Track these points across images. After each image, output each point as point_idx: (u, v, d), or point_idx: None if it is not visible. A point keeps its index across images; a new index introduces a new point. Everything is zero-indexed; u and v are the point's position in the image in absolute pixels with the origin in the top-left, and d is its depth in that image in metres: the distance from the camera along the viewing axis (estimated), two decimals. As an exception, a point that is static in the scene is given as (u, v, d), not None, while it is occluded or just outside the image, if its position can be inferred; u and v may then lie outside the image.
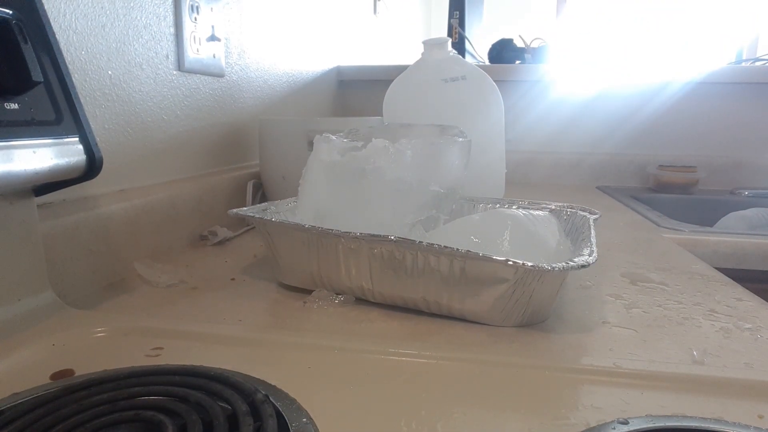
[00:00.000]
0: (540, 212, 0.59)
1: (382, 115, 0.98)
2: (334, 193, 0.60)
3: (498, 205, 0.73)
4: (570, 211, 0.69)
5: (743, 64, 1.62)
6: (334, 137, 0.62)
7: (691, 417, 0.34)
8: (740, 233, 0.93)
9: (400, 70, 0.98)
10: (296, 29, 1.23)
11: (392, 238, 0.49)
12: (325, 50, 1.45)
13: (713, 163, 1.48)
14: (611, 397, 0.37)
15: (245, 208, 0.62)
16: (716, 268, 0.70)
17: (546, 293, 0.49)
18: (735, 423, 0.34)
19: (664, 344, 0.46)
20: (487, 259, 0.46)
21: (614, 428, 0.33)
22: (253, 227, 0.90)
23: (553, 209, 0.70)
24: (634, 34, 2.98)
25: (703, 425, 0.33)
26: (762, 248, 0.88)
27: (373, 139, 0.58)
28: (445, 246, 0.47)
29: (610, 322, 0.51)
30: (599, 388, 0.39)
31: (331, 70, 1.52)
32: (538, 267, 0.45)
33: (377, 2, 1.92)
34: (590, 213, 0.67)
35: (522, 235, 0.54)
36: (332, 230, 0.52)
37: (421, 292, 0.51)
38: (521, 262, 0.45)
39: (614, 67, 1.52)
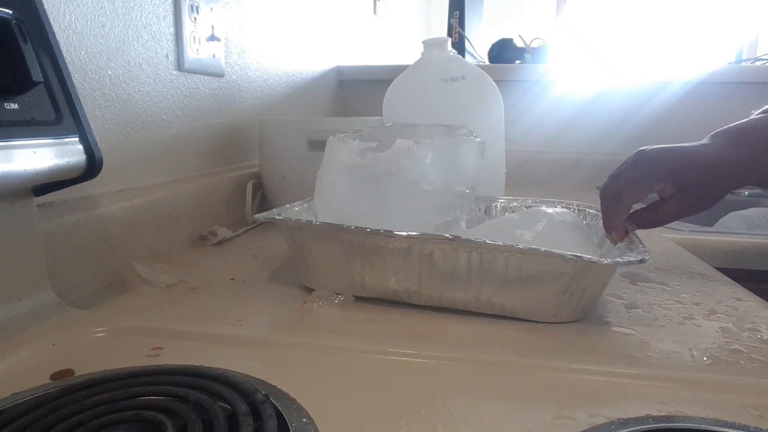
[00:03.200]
0: (566, 210, 0.61)
1: (382, 115, 0.98)
2: (358, 195, 0.58)
3: (527, 204, 0.74)
4: (590, 211, 0.70)
5: (743, 64, 1.61)
6: (348, 138, 0.61)
7: (691, 417, 0.34)
8: (740, 233, 0.93)
9: (400, 70, 0.98)
10: (296, 29, 1.23)
11: (448, 236, 0.49)
12: (325, 50, 1.45)
13: (713, 163, 1.47)
14: (612, 397, 0.37)
15: (273, 212, 0.59)
16: (716, 268, 0.70)
17: (597, 288, 0.51)
18: (735, 423, 0.34)
19: (664, 344, 0.46)
20: (549, 255, 0.47)
21: (614, 428, 0.33)
22: (253, 227, 0.90)
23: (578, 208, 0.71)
24: (634, 34, 2.98)
25: (703, 425, 0.33)
26: (762, 248, 0.88)
27: (397, 140, 0.57)
28: (504, 243, 0.48)
29: (610, 322, 0.51)
30: (599, 388, 0.39)
31: (331, 70, 1.52)
32: (598, 261, 0.46)
33: (377, 2, 1.92)
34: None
35: (562, 232, 0.56)
36: (382, 231, 0.51)
37: (473, 291, 0.51)
38: (585, 256, 0.46)
39: (614, 67, 1.51)
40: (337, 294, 0.56)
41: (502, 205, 0.76)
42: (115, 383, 0.35)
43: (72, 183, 0.50)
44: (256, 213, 0.92)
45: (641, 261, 0.48)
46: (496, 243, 0.48)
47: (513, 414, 0.35)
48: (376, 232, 0.51)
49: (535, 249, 0.47)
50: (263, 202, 0.96)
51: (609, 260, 0.47)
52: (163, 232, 0.71)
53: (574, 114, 1.53)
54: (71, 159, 0.48)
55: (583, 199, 0.74)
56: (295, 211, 0.63)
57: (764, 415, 0.35)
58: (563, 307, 0.50)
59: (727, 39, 2.40)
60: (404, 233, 0.50)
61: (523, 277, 0.49)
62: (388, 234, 0.51)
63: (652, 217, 0.56)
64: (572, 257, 0.47)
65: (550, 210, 0.61)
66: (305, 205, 0.65)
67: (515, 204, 0.75)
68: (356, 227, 0.52)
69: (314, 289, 0.57)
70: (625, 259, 0.48)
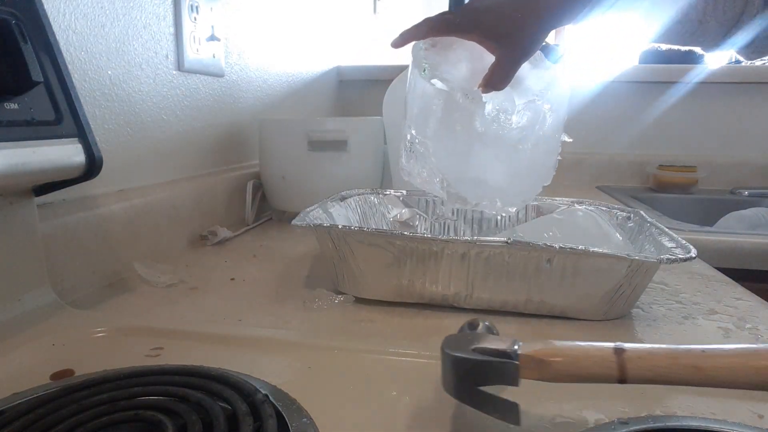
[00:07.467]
0: (597, 209, 0.64)
1: (382, 115, 0.98)
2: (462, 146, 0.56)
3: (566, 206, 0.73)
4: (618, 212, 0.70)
5: (743, 64, 1.61)
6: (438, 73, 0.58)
7: (691, 417, 0.34)
8: (740, 233, 0.93)
9: (400, 70, 0.98)
10: (296, 29, 1.23)
11: (507, 240, 0.49)
12: (324, 50, 1.45)
13: (713, 163, 1.47)
14: (611, 398, 0.37)
15: (304, 219, 0.56)
16: (716, 268, 0.70)
17: (644, 284, 0.52)
18: (735, 423, 0.34)
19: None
20: (605, 255, 0.48)
21: (614, 428, 0.33)
22: (253, 227, 0.90)
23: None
24: (635, 34, 2.97)
25: (703, 425, 0.33)
26: (762, 248, 0.88)
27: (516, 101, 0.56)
28: (561, 245, 0.48)
29: (610, 321, 0.51)
30: (599, 388, 0.39)
31: (330, 70, 1.52)
32: (648, 260, 0.48)
33: (377, 2, 1.92)
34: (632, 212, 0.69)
35: (604, 231, 0.58)
36: (439, 237, 0.51)
37: (525, 293, 0.51)
38: (637, 256, 0.48)
39: (614, 67, 1.51)
40: (337, 294, 0.56)
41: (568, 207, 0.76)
42: (115, 383, 0.35)
43: (72, 183, 0.50)
44: (256, 213, 0.93)
45: (690, 258, 0.49)
46: (554, 245, 0.48)
47: (513, 414, 0.35)
48: (433, 239, 0.51)
49: (594, 251, 0.48)
50: (263, 202, 0.96)
51: (658, 258, 0.49)
52: (163, 232, 0.71)
53: (574, 114, 1.53)
54: (71, 159, 0.48)
55: (583, 199, 0.74)
56: (313, 214, 0.60)
57: (764, 415, 0.35)
58: (614, 304, 0.51)
59: (727, 39, 2.39)
60: (463, 239, 0.50)
61: (578, 277, 0.50)
62: (447, 239, 0.51)
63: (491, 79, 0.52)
64: (626, 257, 0.48)
65: (584, 209, 0.62)
66: (332, 204, 0.65)
67: (535, 203, 0.75)
68: (411, 233, 0.52)
69: (345, 294, 0.56)
70: (675, 256, 0.49)
